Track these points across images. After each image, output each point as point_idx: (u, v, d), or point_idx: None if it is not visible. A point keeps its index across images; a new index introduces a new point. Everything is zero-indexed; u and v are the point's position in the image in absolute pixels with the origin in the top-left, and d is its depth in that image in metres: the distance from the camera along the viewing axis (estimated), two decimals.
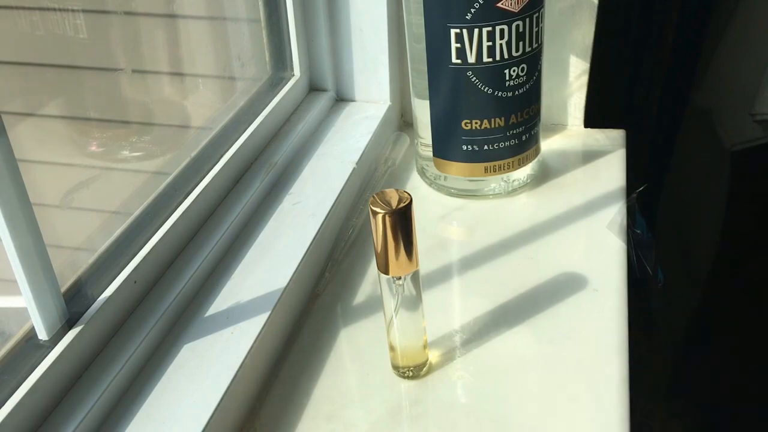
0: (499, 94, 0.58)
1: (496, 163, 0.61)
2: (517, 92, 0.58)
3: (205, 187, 0.53)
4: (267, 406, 0.45)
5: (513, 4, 0.54)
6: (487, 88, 0.57)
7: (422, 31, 0.57)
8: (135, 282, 0.45)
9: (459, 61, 0.56)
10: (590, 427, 0.42)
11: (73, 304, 0.41)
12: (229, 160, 0.56)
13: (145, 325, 0.44)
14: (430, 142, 0.62)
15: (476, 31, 0.55)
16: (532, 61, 0.58)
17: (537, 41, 0.57)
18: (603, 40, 0.68)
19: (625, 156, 0.67)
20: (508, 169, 0.61)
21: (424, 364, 0.45)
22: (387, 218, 0.37)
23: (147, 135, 0.72)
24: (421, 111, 0.62)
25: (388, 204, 0.37)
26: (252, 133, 0.60)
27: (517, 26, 0.55)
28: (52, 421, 0.38)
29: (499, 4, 0.54)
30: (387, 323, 0.43)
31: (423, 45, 0.57)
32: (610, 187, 0.63)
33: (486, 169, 0.61)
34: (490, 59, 0.56)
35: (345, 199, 0.59)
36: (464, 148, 0.60)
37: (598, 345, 0.47)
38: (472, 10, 0.54)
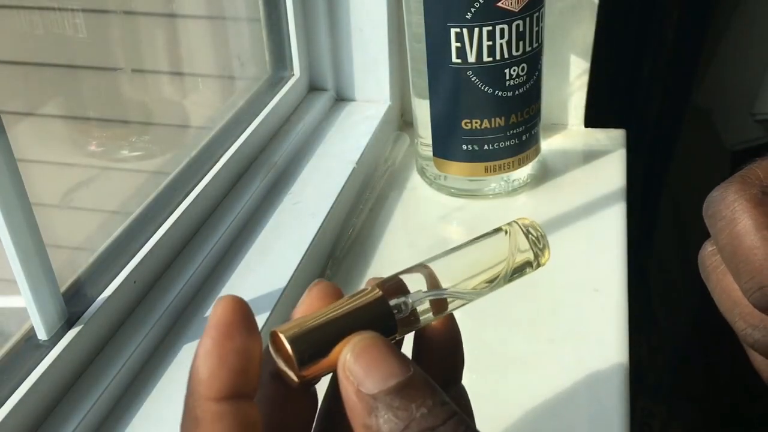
0: (500, 94, 0.57)
1: (497, 162, 0.61)
2: (517, 92, 0.58)
3: (205, 186, 0.53)
4: None
5: (513, 3, 0.54)
6: (487, 87, 0.57)
7: (422, 30, 0.56)
8: (135, 282, 0.45)
9: (459, 60, 0.56)
10: (590, 427, 0.42)
11: (72, 303, 0.41)
12: (228, 160, 0.56)
13: (145, 325, 0.44)
14: (430, 142, 0.62)
15: (476, 30, 0.55)
16: (533, 60, 0.58)
17: (537, 41, 0.57)
18: (604, 40, 0.68)
19: (625, 156, 0.67)
20: (508, 168, 0.61)
21: None
22: None
23: (146, 134, 0.72)
24: (421, 110, 0.62)
25: None
26: (252, 133, 0.60)
27: (518, 26, 0.55)
28: (52, 421, 0.38)
29: (500, 4, 0.54)
30: None
31: (423, 44, 0.57)
32: (611, 187, 0.63)
33: (486, 169, 0.61)
34: (491, 59, 0.56)
35: (345, 199, 0.59)
36: (464, 147, 0.60)
37: (598, 345, 0.47)
38: (473, 10, 0.54)
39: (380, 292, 0.23)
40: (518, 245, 0.26)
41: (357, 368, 0.20)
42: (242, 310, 0.20)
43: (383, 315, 0.23)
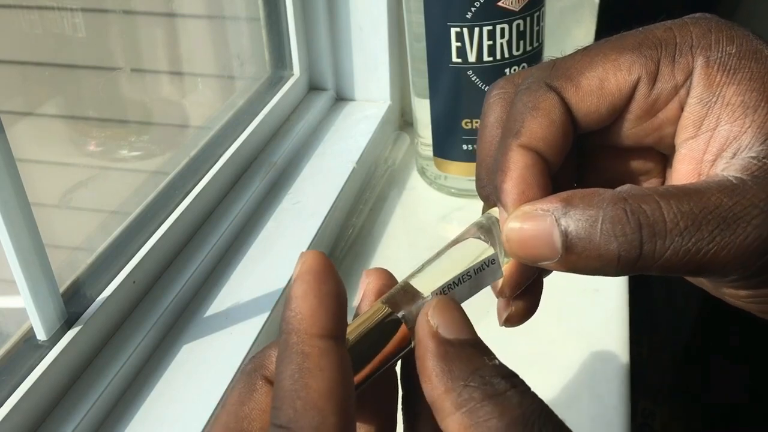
0: None
1: None
2: None
3: (205, 186, 0.53)
4: None
5: (514, 2, 0.54)
6: (487, 87, 0.57)
7: (422, 29, 0.56)
8: (134, 282, 0.45)
9: (459, 60, 0.56)
10: (591, 427, 0.42)
11: (71, 304, 0.41)
12: (228, 160, 0.56)
13: (144, 325, 0.44)
14: (430, 142, 0.62)
15: (477, 29, 0.54)
16: (533, 60, 0.58)
17: (538, 40, 0.57)
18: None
19: None
20: None
21: None
22: None
23: (146, 134, 0.72)
24: (422, 110, 0.61)
25: None
26: (251, 133, 0.60)
27: (518, 25, 0.55)
28: (51, 421, 0.37)
29: (500, 3, 0.54)
30: None
31: (423, 44, 0.57)
32: None
33: None
34: (491, 58, 0.56)
35: (345, 199, 0.59)
36: (464, 147, 0.60)
37: (598, 345, 0.47)
38: (473, 9, 0.54)
39: (388, 308, 0.23)
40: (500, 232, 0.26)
41: (436, 315, 0.22)
42: (328, 262, 0.22)
43: (396, 330, 0.23)
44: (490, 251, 0.26)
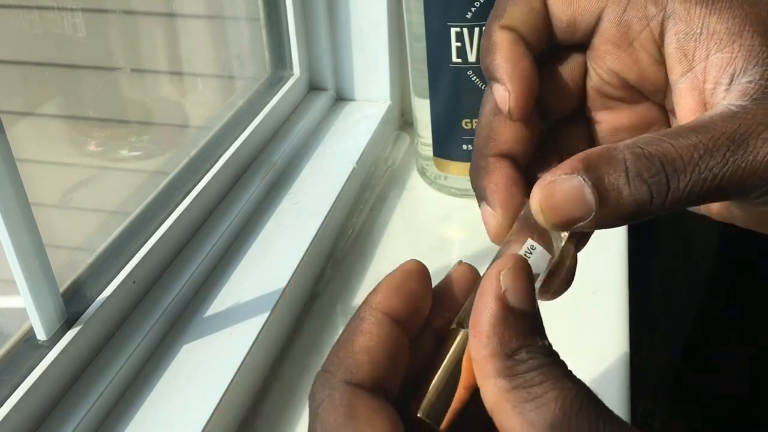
0: None
1: None
2: None
3: (205, 186, 0.53)
4: (267, 406, 0.44)
5: None
6: (487, 87, 0.57)
7: (422, 30, 0.56)
8: (134, 282, 0.45)
9: (459, 60, 0.56)
10: None
11: (71, 304, 0.41)
12: (228, 160, 0.56)
13: (144, 325, 0.44)
14: (430, 142, 0.62)
15: (477, 29, 0.54)
16: None
17: None
18: None
19: None
20: None
21: None
22: None
23: (146, 134, 0.72)
24: (422, 110, 0.61)
25: None
26: (251, 133, 0.60)
27: None
28: (51, 421, 0.37)
29: None
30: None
31: (423, 44, 0.57)
32: None
33: None
34: None
35: (345, 199, 0.59)
36: (465, 147, 0.60)
37: (598, 345, 0.47)
38: (473, 9, 0.54)
39: (466, 331, 0.24)
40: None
41: (508, 277, 0.23)
42: (421, 267, 0.25)
43: None
44: (530, 242, 0.27)
